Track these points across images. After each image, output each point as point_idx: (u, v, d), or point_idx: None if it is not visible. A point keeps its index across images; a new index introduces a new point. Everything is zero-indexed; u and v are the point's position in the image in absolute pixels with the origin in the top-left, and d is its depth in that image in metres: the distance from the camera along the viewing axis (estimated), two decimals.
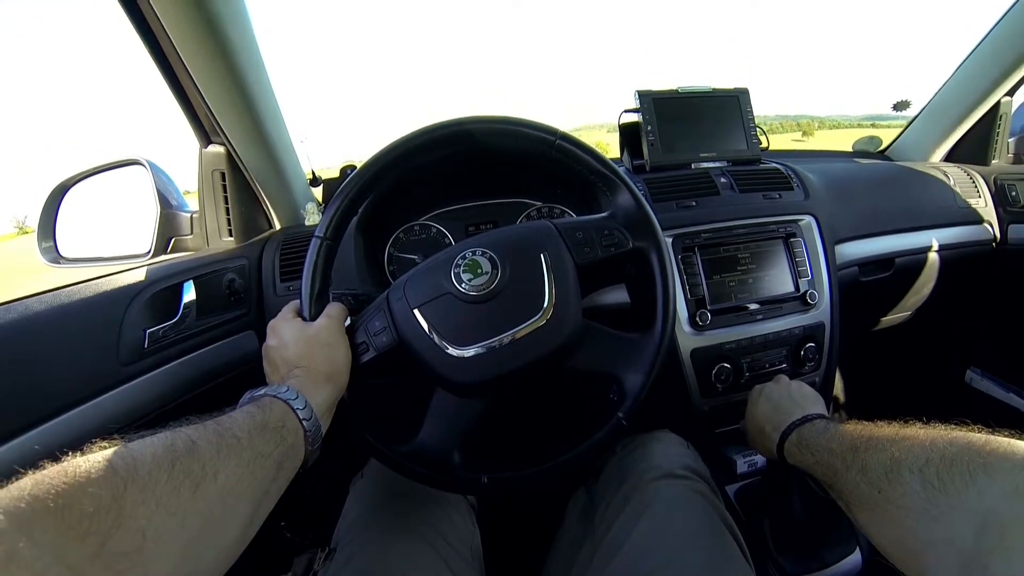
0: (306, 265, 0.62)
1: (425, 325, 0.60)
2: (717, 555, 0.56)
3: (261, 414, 0.45)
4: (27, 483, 0.28)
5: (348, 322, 0.63)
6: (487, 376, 0.60)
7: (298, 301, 0.62)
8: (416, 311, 0.61)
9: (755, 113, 1.09)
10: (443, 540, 0.62)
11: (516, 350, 0.60)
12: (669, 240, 0.68)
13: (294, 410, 0.48)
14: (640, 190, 0.68)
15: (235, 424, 0.42)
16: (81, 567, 0.27)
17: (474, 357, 0.59)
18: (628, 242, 0.66)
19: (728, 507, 0.65)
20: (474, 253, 0.62)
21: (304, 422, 0.48)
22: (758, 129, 1.09)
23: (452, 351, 0.59)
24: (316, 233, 0.62)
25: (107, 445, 0.34)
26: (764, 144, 1.11)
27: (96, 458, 0.31)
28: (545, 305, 0.61)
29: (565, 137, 0.65)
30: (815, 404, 0.69)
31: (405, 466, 0.60)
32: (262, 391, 0.50)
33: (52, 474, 0.29)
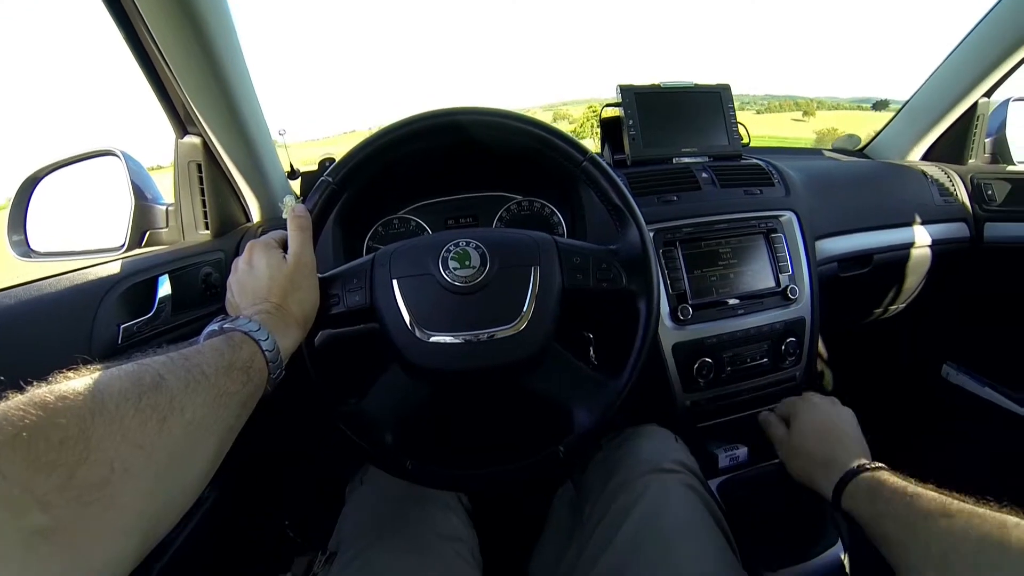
0: (306, 203, 0.62)
1: (399, 297, 0.60)
2: (706, 548, 0.57)
3: (231, 353, 0.44)
4: None
5: (331, 272, 0.64)
6: (447, 366, 0.60)
7: (285, 233, 0.61)
8: (394, 281, 0.61)
9: (742, 91, 1.10)
10: (444, 544, 0.61)
11: (484, 350, 0.60)
12: (651, 234, 0.68)
13: (263, 351, 0.48)
14: (621, 182, 0.67)
15: (203, 360, 0.41)
16: (49, 498, 0.26)
17: (443, 345, 0.59)
18: (622, 280, 0.65)
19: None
20: (467, 244, 0.62)
21: (270, 364, 0.48)
22: (740, 125, 1.10)
23: (417, 332, 0.59)
24: (325, 175, 0.62)
25: (72, 376, 0.33)
26: (745, 140, 1.12)
27: (62, 388, 0.31)
28: (521, 315, 0.61)
29: (594, 160, 0.66)
30: (861, 446, 0.66)
31: (339, 427, 0.61)
32: (230, 323, 0.49)
33: (18, 404, 0.28)
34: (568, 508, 0.72)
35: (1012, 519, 0.42)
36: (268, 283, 0.56)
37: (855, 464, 0.59)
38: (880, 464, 0.59)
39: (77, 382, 0.32)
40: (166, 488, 0.34)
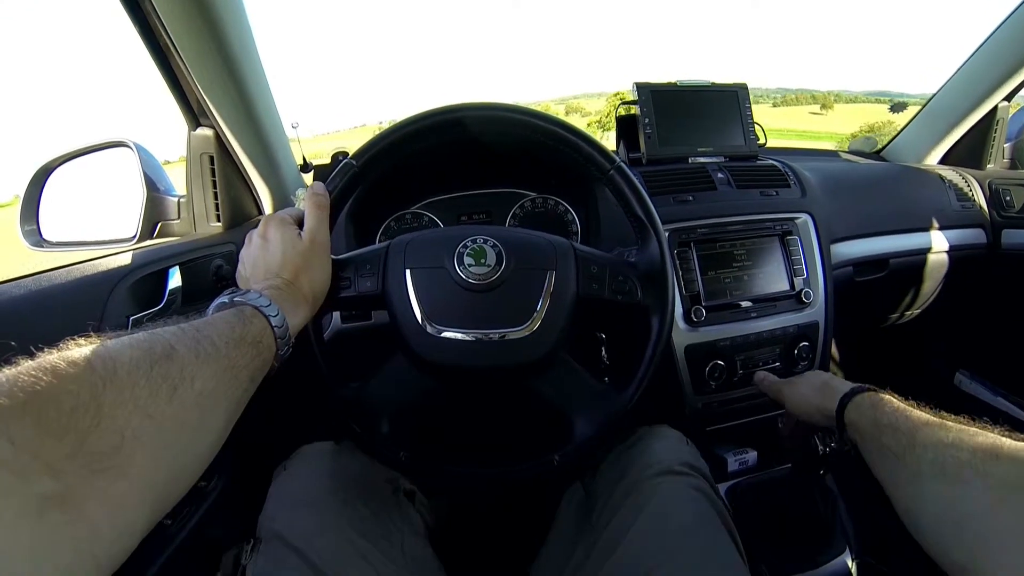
0: (328, 182, 0.62)
1: (411, 288, 0.60)
2: (715, 552, 0.56)
3: (241, 326, 0.44)
4: (2, 378, 0.27)
5: (346, 255, 0.64)
6: (456, 362, 0.60)
7: (302, 211, 0.61)
8: (408, 271, 0.61)
9: (755, 85, 1.08)
10: (364, 539, 0.59)
11: (495, 350, 0.60)
12: (666, 235, 0.67)
13: (272, 327, 0.47)
14: (646, 193, 0.67)
15: (214, 331, 0.41)
16: (59, 465, 0.26)
17: (454, 340, 0.59)
18: (637, 294, 0.65)
19: None
20: (485, 241, 0.61)
21: (279, 340, 0.48)
22: (756, 125, 1.08)
23: (428, 326, 0.59)
24: (349, 159, 0.62)
25: (83, 342, 0.33)
26: (761, 140, 1.10)
27: (73, 355, 0.30)
28: (532, 318, 0.60)
29: (621, 170, 0.65)
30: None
31: (338, 411, 0.61)
32: (241, 296, 0.49)
33: (29, 369, 0.28)
34: (577, 508, 0.71)
35: (1005, 438, 0.43)
36: (281, 258, 0.55)
37: (859, 385, 0.61)
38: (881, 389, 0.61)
39: (88, 349, 0.32)
40: (175, 458, 0.34)
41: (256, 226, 0.90)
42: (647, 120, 1.03)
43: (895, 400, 0.56)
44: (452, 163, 0.91)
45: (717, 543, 0.57)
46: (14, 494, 0.24)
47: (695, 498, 0.62)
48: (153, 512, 0.32)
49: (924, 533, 0.45)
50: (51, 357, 0.30)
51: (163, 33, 0.73)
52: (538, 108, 0.68)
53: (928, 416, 0.50)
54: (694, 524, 0.58)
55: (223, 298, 0.49)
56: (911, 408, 0.53)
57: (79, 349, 0.31)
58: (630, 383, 0.64)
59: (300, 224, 0.59)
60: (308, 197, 0.60)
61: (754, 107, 1.10)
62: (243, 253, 0.59)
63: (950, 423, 0.48)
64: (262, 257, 0.56)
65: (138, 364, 0.33)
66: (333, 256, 0.61)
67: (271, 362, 0.48)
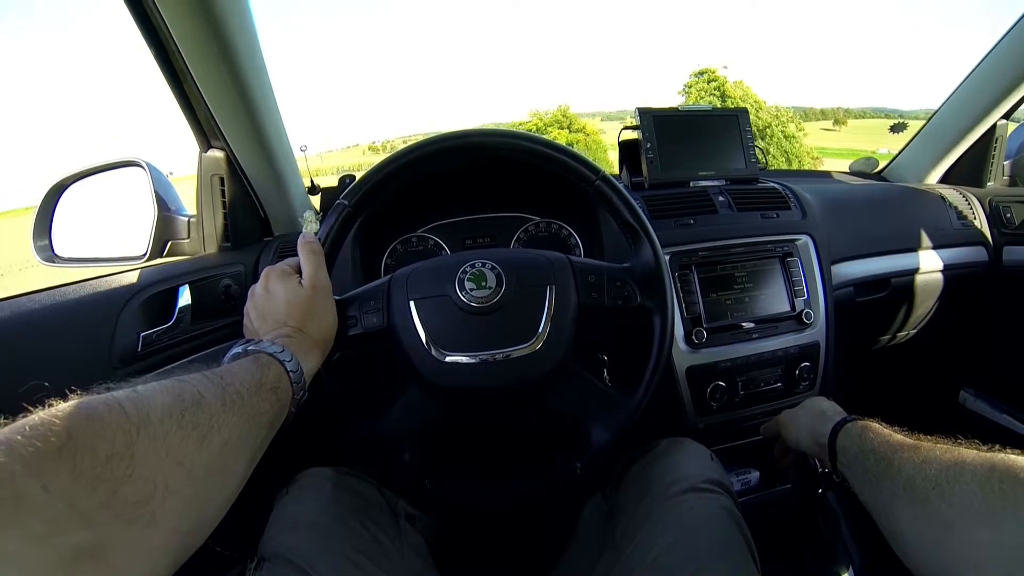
0: (323, 227, 0.63)
1: (416, 318, 0.61)
2: (740, 573, 0.56)
3: (260, 373, 0.45)
4: (36, 421, 0.27)
5: (349, 294, 0.65)
6: (463, 385, 0.61)
7: (299, 260, 0.62)
8: (412, 302, 0.62)
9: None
10: (367, 559, 0.59)
11: (500, 370, 0.61)
12: (667, 257, 0.68)
13: (288, 372, 0.49)
14: (638, 205, 0.68)
15: (237, 379, 0.42)
16: (92, 515, 0.26)
17: (459, 364, 0.60)
18: (636, 298, 0.66)
19: None
20: (483, 265, 0.63)
21: (294, 385, 0.49)
22: (757, 149, 1.10)
23: (433, 351, 0.60)
24: (341, 199, 0.63)
25: (112, 386, 0.33)
26: (762, 163, 1.11)
27: (107, 400, 0.30)
28: (537, 334, 0.61)
29: (606, 180, 0.66)
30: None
31: (358, 448, 0.62)
32: (255, 346, 0.50)
33: (63, 414, 0.28)
34: (599, 520, 0.71)
35: (971, 451, 0.45)
36: (286, 308, 0.57)
37: (851, 416, 0.64)
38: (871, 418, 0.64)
39: (122, 394, 0.32)
40: (201, 506, 0.35)
41: (263, 249, 0.91)
42: (649, 144, 1.04)
43: (881, 427, 0.57)
44: (458, 187, 0.92)
45: (742, 564, 0.58)
46: (47, 545, 0.24)
47: (722, 517, 0.61)
48: (177, 558, 0.32)
49: (906, 553, 0.47)
50: (85, 401, 0.29)
51: (178, 56, 0.75)
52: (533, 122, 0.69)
53: (906, 439, 0.52)
54: (721, 544, 0.58)
55: (236, 349, 0.50)
56: (894, 433, 0.55)
57: (111, 394, 0.32)
58: (638, 386, 0.65)
59: (299, 271, 0.60)
60: (300, 247, 0.61)
61: None
62: (248, 307, 0.60)
63: (924, 443, 0.49)
64: (268, 309, 0.58)
65: (170, 412, 0.33)
66: (336, 296, 0.62)
67: (288, 407, 0.49)
